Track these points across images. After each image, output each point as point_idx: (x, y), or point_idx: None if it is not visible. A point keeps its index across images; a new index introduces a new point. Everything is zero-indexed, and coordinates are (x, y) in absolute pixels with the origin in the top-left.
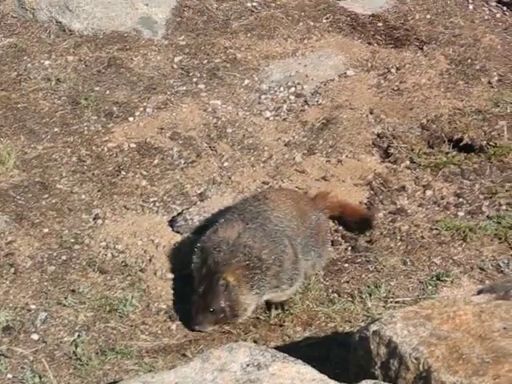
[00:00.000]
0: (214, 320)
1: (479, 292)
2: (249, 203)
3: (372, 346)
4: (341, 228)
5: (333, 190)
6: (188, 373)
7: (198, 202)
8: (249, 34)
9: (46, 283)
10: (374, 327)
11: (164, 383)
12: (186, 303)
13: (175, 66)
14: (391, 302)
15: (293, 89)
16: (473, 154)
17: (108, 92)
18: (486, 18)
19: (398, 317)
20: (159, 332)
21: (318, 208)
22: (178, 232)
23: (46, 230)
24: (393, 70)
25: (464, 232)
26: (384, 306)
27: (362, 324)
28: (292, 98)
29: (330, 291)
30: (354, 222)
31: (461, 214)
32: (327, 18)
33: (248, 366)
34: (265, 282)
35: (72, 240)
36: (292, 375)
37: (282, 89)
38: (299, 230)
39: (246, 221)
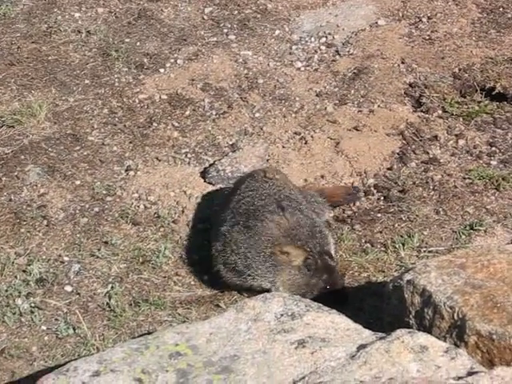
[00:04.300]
0: None
1: None
2: None
3: (406, 295)
4: (372, 180)
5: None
6: (222, 323)
7: (230, 153)
8: None
9: (78, 235)
10: (408, 276)
11: (198, 333)
12: None
13: (206, 17)
14: (424, 251)
15: (324, 39)
16: (505, 102)
17: (138, 44)
18: None
19: (432, 266)
20: (192, 283)
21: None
22: (210, 183)
23: (78, 182)
24: (424, 19)
25: (497, 181)
26: (417, 256)
27: (396, 274)
28: (323, 48)
29: (363, 241)
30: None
31: (493, 163)
32: None
33: (282, 315)
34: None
35: (104, 192)
36: (326, 325)
37: (312, 39)
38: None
39: None
